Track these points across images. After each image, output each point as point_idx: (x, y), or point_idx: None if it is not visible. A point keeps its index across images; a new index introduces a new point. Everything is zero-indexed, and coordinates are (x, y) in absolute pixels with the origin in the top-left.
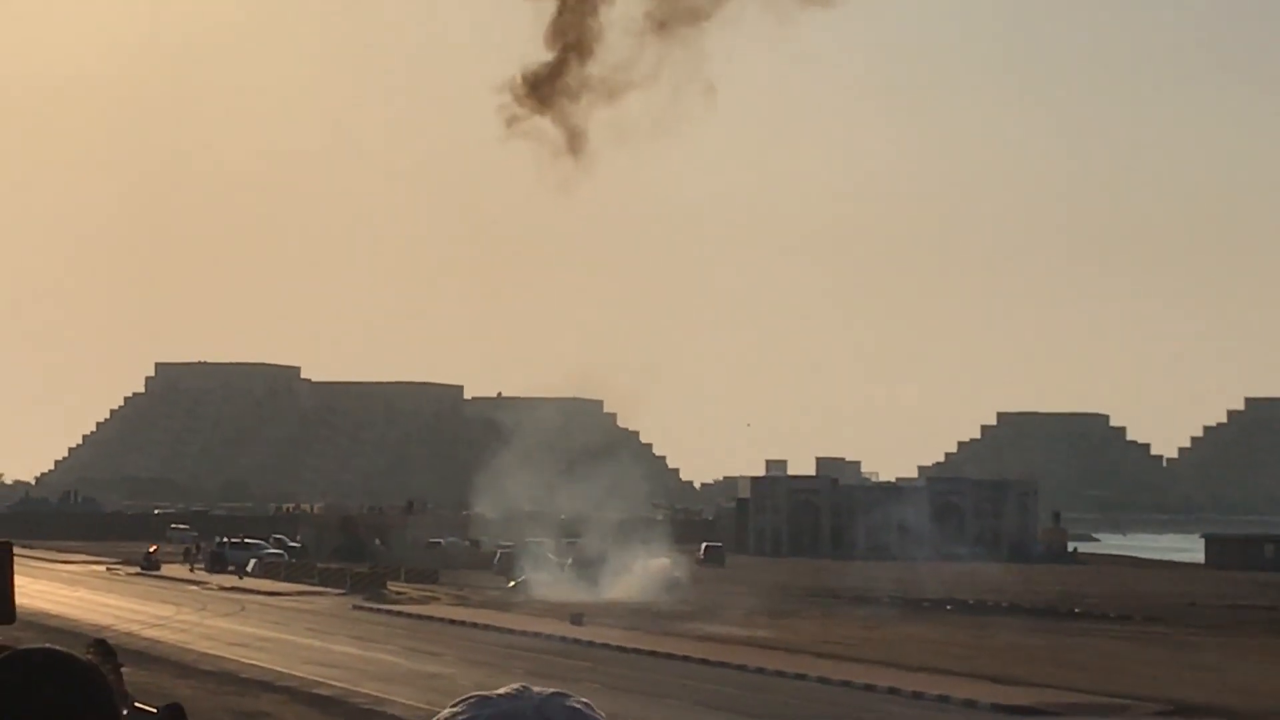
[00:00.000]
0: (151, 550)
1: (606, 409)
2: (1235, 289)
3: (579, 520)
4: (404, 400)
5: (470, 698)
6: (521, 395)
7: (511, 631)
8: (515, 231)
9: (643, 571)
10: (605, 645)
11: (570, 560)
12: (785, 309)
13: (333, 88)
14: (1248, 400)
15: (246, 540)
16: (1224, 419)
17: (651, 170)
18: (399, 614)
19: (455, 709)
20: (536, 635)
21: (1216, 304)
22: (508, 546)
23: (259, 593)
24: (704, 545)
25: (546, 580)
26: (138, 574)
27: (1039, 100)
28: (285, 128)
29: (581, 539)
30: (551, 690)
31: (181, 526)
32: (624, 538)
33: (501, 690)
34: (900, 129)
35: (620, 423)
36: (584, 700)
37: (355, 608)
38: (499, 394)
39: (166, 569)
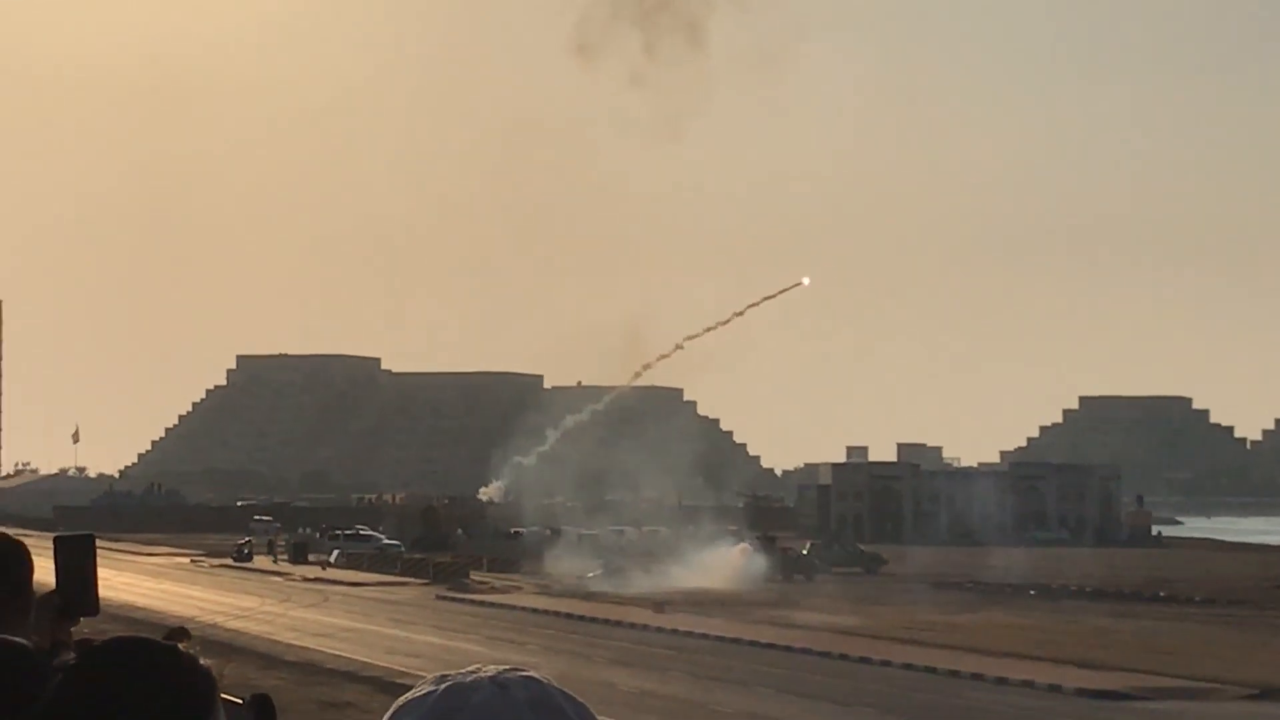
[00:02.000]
0: (243, 542)
1: (686, 397)
2: None
3: (662, 509)
4: (485, 390)
5: (434, 675)
6: (602, 384)
7: (594, 620)
8: (591, 217)
9: (723, 559)
10: (689, 633)
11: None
12: (865, 295)
13: (402, 79)
14: None
15: (361, 532)
16: None
17: (730, 143)
18: (482, 604)
19: (419, 688)
20: (619, 624)
21: None
22: (590, 534)
23: (342, 583)
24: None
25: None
26: (223, 565)
27: (1115, 83)
28: (364, 122)
29: (656, 528)
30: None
31: (265, 518)
32: (702, 525)
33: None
34: (979, 112)
35: (701, 410)
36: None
37: (438, 598)
38: (579, 383)
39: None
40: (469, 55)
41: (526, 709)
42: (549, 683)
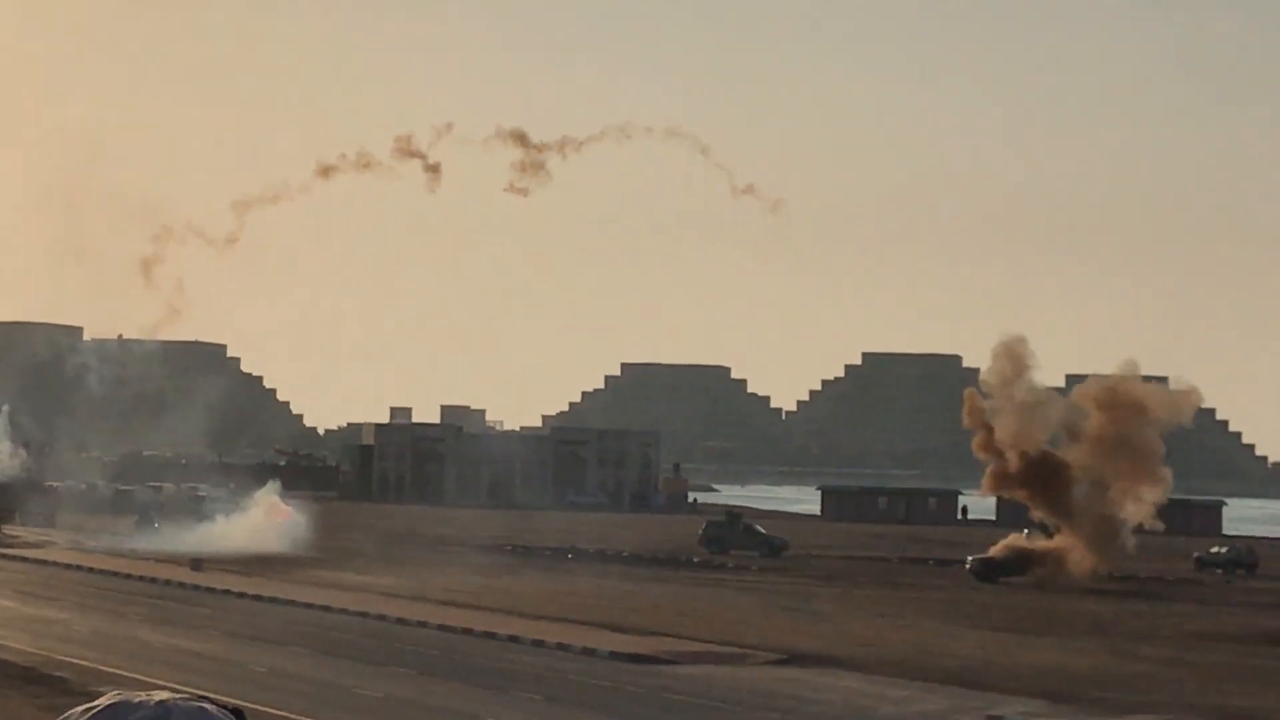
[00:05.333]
0: None
1: (230, 353)
2: (853, 249)
3: (201, 465)
4: (20, 341)
5: (114, 691)
6: (142, 338)
7: (130, 577)
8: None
9: (264, 518)
10: (226, 591)
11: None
12: (413, 258)
13: None
14: (864, 355)
15: None
16: (841, 373)
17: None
18: (14, 559)
19: (94, 702)
20: (155, 581)
21: (834, 262)
22: (127, 490)
23: None
24: None
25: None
26: None
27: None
28: None
29: (202, 487)
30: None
31: None
32: (245, 483)
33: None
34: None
35: (244, 367)
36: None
37: None
38: (120, 336)
39: None
40: None
41: None
42: (220, 715)
